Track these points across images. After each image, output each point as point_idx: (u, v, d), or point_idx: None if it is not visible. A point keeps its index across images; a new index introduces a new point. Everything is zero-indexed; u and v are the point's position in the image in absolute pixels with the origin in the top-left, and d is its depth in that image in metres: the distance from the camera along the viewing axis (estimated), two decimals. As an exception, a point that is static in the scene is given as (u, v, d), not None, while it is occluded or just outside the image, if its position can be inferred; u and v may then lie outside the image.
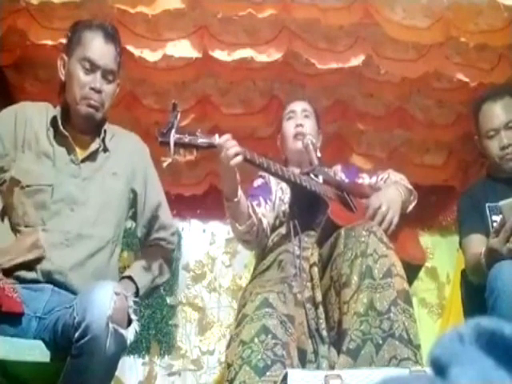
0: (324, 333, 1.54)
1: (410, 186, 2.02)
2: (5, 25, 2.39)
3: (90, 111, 1.65)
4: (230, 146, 1.58)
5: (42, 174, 1.61)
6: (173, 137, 1.51)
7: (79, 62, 1.64)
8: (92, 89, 1.63)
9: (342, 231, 1.63)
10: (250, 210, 1.75)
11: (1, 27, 2.39)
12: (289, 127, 2.12)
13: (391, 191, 1.90)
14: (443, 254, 3.65)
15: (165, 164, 1.52)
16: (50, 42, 2.35)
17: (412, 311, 1.50)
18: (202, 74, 2.85)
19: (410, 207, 2.01)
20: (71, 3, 2.29)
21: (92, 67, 1.64)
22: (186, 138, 1.54)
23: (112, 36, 1.69)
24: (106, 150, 1.72)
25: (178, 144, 1.52)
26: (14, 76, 2.84)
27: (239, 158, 1.59)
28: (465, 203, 2.13)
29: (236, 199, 1.68)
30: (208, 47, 2.52)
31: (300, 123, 2.10)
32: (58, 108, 1.70)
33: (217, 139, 1.59)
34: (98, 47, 1.65)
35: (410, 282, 1.81)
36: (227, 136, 1.60)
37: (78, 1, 2.29)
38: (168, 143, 1.50)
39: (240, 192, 1.69)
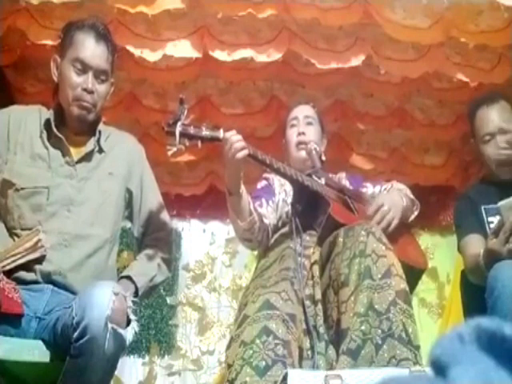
0: (321, 330, 1.54)
1: (413, 197, 2.03)
2: (5, 25, 2.38)
3: (82, 113, 1.65)
4: (236, 140, 1.61)
5: (37, 177, 1.61)
6: (179, 127, 1.57)
7: (71, 63, 1.64)
8: (84, 90, 1.64)
9: (341, 231, 1.64)
10: (252, 207, 1.76)
11: (1, 27, 2.38)
12: (291, 135, 2.13)
13: (394, 196, 1.93)
14: (443, 254, 3.65)
15: (170, 152, 1.58)
16: (50, 42, 2.35)
17: (411, 311, 1.50)
18: (201, 73, 2.85)
19: (412, 217, 2.03)
20: (71, 3, 2.29)
21: (84, 68, 1.64)
22: (192, 130, 1.60)
23: (104, 36, 1.68)
24: (101, 150, 1.72)
25: (183, 134, 1.58)
26: (14, 76, 2.84)
27: (245, 152, 1.63)
28: (461, 206, 2.14)
29: (238, 193, 1.69)
30: (208, 47, 2.51)
31: (302, 131, 2.10)
32: (51, 110, 1.70)
33: (221, 133, 1.64)
34: (89, 48, 1.65)
35: (413, 286, 1.82)
36: (233, 131, 1.64)
37: (77, 1, 2.28)
38: (174, 133, 1.57)
39: (242, 186, 1.70)
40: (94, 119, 1.70)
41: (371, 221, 1.74)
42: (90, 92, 1.64)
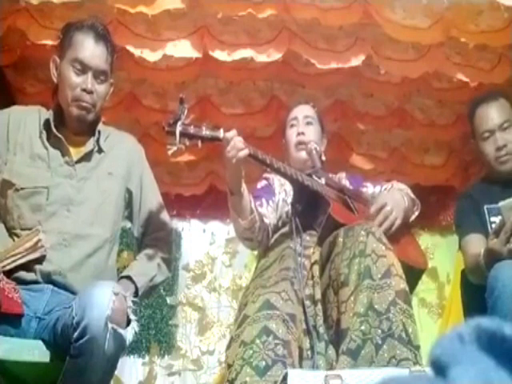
0: (321, 330, 1.54)
1: (414, 197, 2.02)
2: (5, 25, 2.38)
3: (82, 113, 1.66)
4: (236, 141, 1.62)
5: (36, 177, 1.61)
6: (179, 127, 1.57)
7: (70, 64, 1.65)
8: (83, 90, 1.64)
9: (341, 231, 1.64)
10: (253, 206, 1.76)
11: (1, 27, 2.39)
12: (291, 135, 2.13)
13: (396, 195, 1.92)
14: (443, 254, 3.65)
15: (170, 152, 1.59)
16: (49, 42, 2.35)
17: (411, 311, 1.50)
18: (202, 73, 2.85)
19: (413, 217, 2.02)
20: (71, 3, 2.29)
21: (83, 68, 1.65)
22: (192, 129, 1.60)
23: (103, 36, 1.69)
24: (100, 150, 1.72)
25: (183, 134, 1.59)
26: (14, 76, 2.84)
27: (245, 152, 1.63)
28: (463, 205, 2.14)
29: (240, 193, 1.70)
30: (208, 47, 2.52)
31: (301, 131, 2.10)
32: (51, 111, 1.71)
33: (222, 133, 1.64)
34: (88, 48, 1.65)
35: (413, 286, 1.82)
36: (233, 131, 1.64)
37: (78, 1, 2.28)
38: (174, 133, 1.57)
39: (244, 185, 1.70)
40: (93, 119, 1.70)
41: (373, 221, 1.74)
42: (90, 92, 1.65)
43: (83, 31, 1.67)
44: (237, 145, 1.61)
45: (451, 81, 2.80)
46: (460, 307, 2.20)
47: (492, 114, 2.06)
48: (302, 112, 2.17)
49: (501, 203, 1.75)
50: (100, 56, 1.67)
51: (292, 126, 2.15)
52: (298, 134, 2.10)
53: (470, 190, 2.20)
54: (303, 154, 2.06)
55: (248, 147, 1.65)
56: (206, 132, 1.62)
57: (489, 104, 2.07)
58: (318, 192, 1.84)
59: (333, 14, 2.41)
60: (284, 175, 1.84)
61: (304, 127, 2.12)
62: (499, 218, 1.79)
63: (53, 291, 1.53)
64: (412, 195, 2.02)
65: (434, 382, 0.43)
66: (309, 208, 1.85)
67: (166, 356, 3.54)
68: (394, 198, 1.88)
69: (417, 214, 2.04)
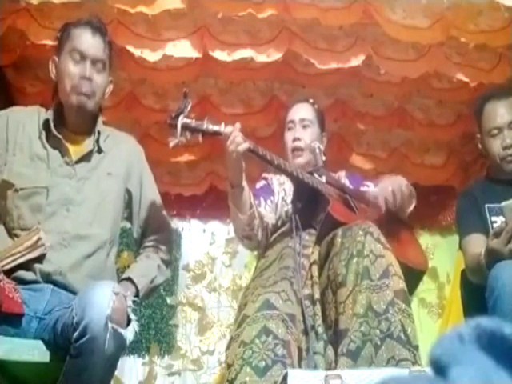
0: (320, 330, 1.54)
1: (411, 188, 2.01)
2: (5, 25, 2.39)
3: (82, 99, 1.65)
4: (236, 135, 1.63)
5: (36, 177, 1.61)
6: (181, 120, 1.60)
7: (69, 55, 1.67)
8: (82, 77, 1.65)
9: (339, 230, 1.64)
10: (252, 201, 1.77)
11: (1, 27, 2.39)
12: (288, 139, 2.12)
13: (397, 179, 1.92)
14: (443, 254, 3.65)
15: (171, 144, 1.62)
16: (49, 42, 2.35)
17: (410, 311, 1.50)
18: (202, 74, 2.85)
19: (410, 208, 2.00)
20: (71, 3, 2.30)
21: (81, 57, 1.66)
22: (193, 123, 1.63)
23: (99, 28, 1.71)
24: (100, 150, 1.72)
25: (185, 127, 1.61)
26: (14, 76, 2.85)
27: (245, 146, 1.64)
28: (463, 204, 2.13)
29: (241, 186, 1.70)
30: (208, 47, 2.52)
31: (297, 137, 2.08)
32: (50, 111, 1.71)
33: (223, 127, 1.65)
34: (86, 39, 1.68)
35: (414, 288, 1.81)
36: (236, 125, 1.66)
37: (78, 1, 2.29)
38: (176, 126, 1.60)
39: (244, 179, 1.71)
40: (92, 109, 1.70)
41: (374, 217, 1.74)
42: (89, 79, 1.65)
43: (80, 27, 1.70)
44: (236, 139, 1.62)
45: (451, 81, 2.80)
46: (460, 307, 2.20)
47: (501, 111, 2.04)
48: (299, 114, 2.14)
49: (503, 203, 1.74)
50: (97, 46, 1.69)
51: (289, 129, 2.14)
52: (294, 139, 2.09)
53: (472, 188, 2.19)
54: (299, 161, 2.06)
55: (248, 142, 1.66)
56: (207, 126, 1.64)
57: (499, 101, 2.05)
58: (318, 190, 1.84)
59: (333, 14, 2.42)
60: (284, 172, 1.84)
61: (300, 132, 2.10)
62: (500, 217, 1.79)
63: (53, 291, 1.53)
64: (410, 187, 2.01)
65: (434, 382, 0.43)
66: (309, 206, 1.85)
67: (166, 356, 3.54)
68: (393, 181, 1.89)
69: (414, 204, 2.01)
